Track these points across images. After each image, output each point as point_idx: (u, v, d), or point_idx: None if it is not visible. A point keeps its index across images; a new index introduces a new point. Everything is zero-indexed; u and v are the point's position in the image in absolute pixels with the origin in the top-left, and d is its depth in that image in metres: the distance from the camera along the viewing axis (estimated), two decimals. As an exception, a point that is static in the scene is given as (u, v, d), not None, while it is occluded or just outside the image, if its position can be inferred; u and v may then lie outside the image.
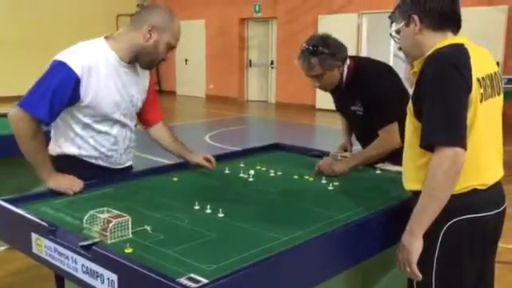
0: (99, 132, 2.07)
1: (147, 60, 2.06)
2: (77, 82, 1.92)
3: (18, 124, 1.92)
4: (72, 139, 2.07)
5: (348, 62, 2.42)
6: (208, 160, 2.32)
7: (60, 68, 1.93)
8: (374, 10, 10.01)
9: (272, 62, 12.50)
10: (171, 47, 2.07)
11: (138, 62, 2.09)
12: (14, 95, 11.89)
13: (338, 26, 10.37)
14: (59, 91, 1.90)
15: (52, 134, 2.13)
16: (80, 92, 1.94)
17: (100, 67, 1.98)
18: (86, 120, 2.03)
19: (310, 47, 2.32)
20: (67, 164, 2.05)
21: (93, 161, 2.11)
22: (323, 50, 2.31)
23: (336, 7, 10.72)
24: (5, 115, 4.11)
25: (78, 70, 1.92)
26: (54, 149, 2.10)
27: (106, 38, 2.06)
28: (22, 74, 12.09)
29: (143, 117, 2.30)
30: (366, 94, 2.40)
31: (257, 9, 12.30)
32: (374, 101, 2.37)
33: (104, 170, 2.14)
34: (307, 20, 11.20)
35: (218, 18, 12.99)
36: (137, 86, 2.14)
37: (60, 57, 1.96)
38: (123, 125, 2.14)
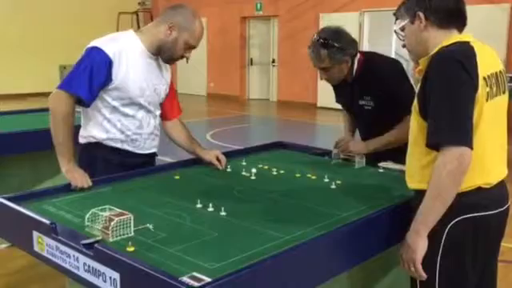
0: (126, 115, 2.22)
1: (167, 55, 2.23)
2: (110, 64, 2.10)
3: (55, 103, 2.09)
4: (101, 123, 2.22)
5: (358, 56, 2.41)
6: (218, 160, 2.36)
7: (95, 52, 2.11)
8: (376, 8, 10.00)
9: (273, 61, 12.49)
10: (190, 46, 2.22)
11: (160, 55, 2.24)
12: (16, 93, 11.92)
13: (339, 25, 10.38)
14: (96, 71, 2.08)
15: (82, 122, 2.28)
16: (112, 73, 2.11)
17: (129, 53, 2.16)
18: (115, 103, 2.18)
19: (321, 39, 2.32)
20: (96, 151, 2.23)
21: (119, 145, 2.24)
22: (333, 43, 2.31)
23: (338, 5, 10.70)
24: (6, 113, 4.13)
25: (110, 54, 2.10)
26: (84, 134, 2.25)
27: (135, 31, 2.26)
28: (24, 72, 12.14)
29: (164, 109, 2.41)
30: (379, 86, 2.37)
31: (258, 7, 12.29)
32: (390, 92, 2.34)
33: (129, 156, 2.27)
34: (309, 18, 11.19)
35: (219, 16, 12.99)
36: (159, 78, 2.30)
37: (94, 43, 2.15)
38: (148, 110, 2.28)
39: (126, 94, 2.17)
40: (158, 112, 2.37)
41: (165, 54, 2.23)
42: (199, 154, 2.41)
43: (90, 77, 2.07)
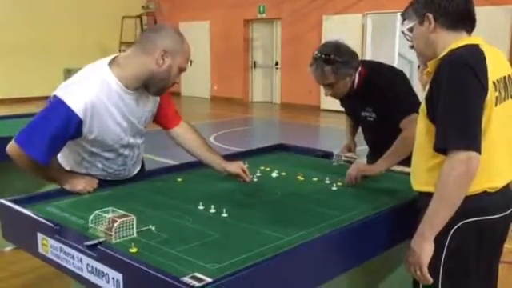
0: (107, 158, 2.04)
1: (159, 86, 1.95)
2: (79, 123, 1.83)
3: (17, 160, 1.90)
4: (80, 163, 2.05)
5: (360, 68, 2.40)
6: (244, 171, 2.20)
7: (60, 109, 1.81)
8: (379, 10, 10.00)
9: (276, 63, 12.49)
10: (182, 70, 1.97)
11: (147, 89, 1.96)
12: (21, 97, 11.98)
13: (342, 27, 10.39)
14: (59, 135, 1.83)
15: (59, 154, 2.06)
16: (83, 130, 1.87)
17: (104, 100, 1.87)
18: (94, 149, 1.98)
19: (324, 55, 2.29)
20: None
21: (101, 178, 2.09)
22: (336, 58, 2.28)
23: (340, 8, 10.70)
24: (8, 117, 4.15)
25: (79, 111, 1.81)
26: (64, 165, 2.09)
27: (110, 63, 1.92)
28: (29, 76, 12.20)
29: (159, 122, 2.22)
30: (378, 97, 2.37)
31: (261, 10, 12.31)
32: (387, 100, 2.33)
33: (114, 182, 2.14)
34: (312, 21, 11.20)
35: (222, 19, 13.02)
36: (144, 107, 2.04)
37: (60, 93, 1.85)
38: (132, 146, 2.08)
39: (105, 143, 1.96)
40: (143, 138, 2.14)
41: (155, 87, 1.94)
42: (222, 166, 2.20)
43: (51, 140, 1.82)
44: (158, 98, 2.11)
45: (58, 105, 1.82)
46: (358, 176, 2.15)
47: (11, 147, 1.89)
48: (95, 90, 1.85)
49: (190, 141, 2.23)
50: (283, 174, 2.35)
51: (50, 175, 2.02)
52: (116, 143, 2.00)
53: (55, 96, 1.85)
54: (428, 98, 1.58)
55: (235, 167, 2.20)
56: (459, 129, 1.46)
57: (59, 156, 2.08)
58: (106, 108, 1.88)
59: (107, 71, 1.90)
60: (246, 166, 2.41)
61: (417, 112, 2.20)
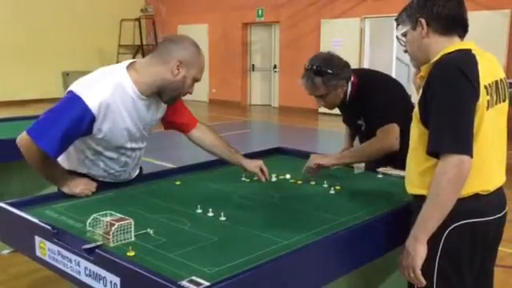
0: (110, 158, 2.05)
1: (172, 95, 1.99)
2: (91, 120, 1.85)
3: (26, 151, 1.90)
4: (82, 161, 2.06)
5: (352, 78, 2.41)
6: (262, 171, 2.24)
7: (76, 103, 1.84)
8: (377, 14, 10.03)
9: (275, 66, 12.51)
10: (197, 81, 2.01)
11: (160, 97, 2.00)
12: (20, 100, 11.96)
13: (340, 31, 10.43)
14: (71, 129, 1.84)
15: None
16: (93, 128, 1.89)
17: (118, 103, 1.89)
18: (98, 148, 2.00)
19: (314, 67, 2.30)
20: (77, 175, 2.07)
21: (101, 179, 2.11)
22: (327, 69, 2.30)
23: (339, 12, 10.73)
24: (7, 120, 4.15)
25: (94, 108, 1.84)
26: (63, 164, 2.09)
27: (128, 67, 1.95)
28: (28, 79, 12.19)
29: (178, 128, 2.27)
30: (367, 107, 2.40)
31: (260, 13, 12.33)
32: (373, 111, 2.38)
33: (112, 184, 2.15)
34: (310, 24, 11.22)
35: (221, 22, 13.04)
36: (153, 115, 2.08)
37: (77, 88, 1.87)
38: (134, 149, 2.11)
39: (111, 144, 1.99)
40: (145, 143, 2.17)
41: (169, 95, 1.98)
42: (241, 163, 2.26)
43: (63, 134, 1.83)
44: (166, 108, 2.14)
45: (74, 100, 1.84)
46: (311, 165, 2.24)
47: (22, 138, 1.90)
48: (111, 91, 1.88)
49: (210, 141, 2.29)
50: (281, 177, 2.35)
51: (53, 173, 2.00)
52: (121, 145, 2.02)
53: (71, 91, 1.87)
54: (421, 102, 1.60)
55: (254, 166, 2.25)
56: (451, 132, 1.48)
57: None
58: (118, 110, 1.91)
59: (125, 74, 1.93)
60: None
61: (396, 122, 2.25)
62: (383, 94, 2.41)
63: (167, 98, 2.01)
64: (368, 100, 2.39)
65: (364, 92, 2.40)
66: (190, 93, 2.04)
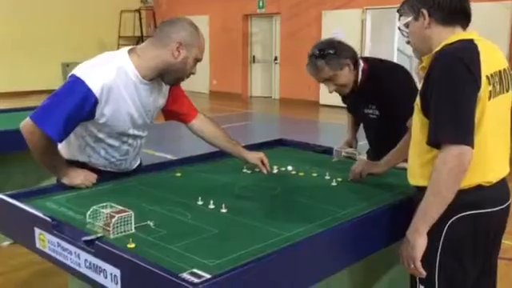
0: (111, 146, 2.04)
1: (175, 76, 2.00)
2: (94, 103, 1.85)
3: (29, 137, 1.89)
4: (83, 148, 2.05)
5: (362, 64, 2.39)
6: (263, 163, 2.25)
7: (78, 86, 1.83)
8: (378, 5, 9.97)
9: (276, 58, 12.47)
10: (198, 61, 2.01)
11: (162, 79, 2.01)
12: (19, 91, 11.95)
13: (341, 22, 10.37)
14: (74, 112, 1.83)
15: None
16: (96, 112, 1.88)
17: (120, 87, 1.90)
18: (100, 135, 1.99)
19: (316, 51, 2.31)
20: (77, 166, 2.06)
21: (101, 168, 2.10)
22: (328, 51, 2.29)
23: (340, 3, 10.67)
24: (7, 111, 4.14)
25: (97, 91, 1.84)
26: (64, 153, 2.08)
27: (129, 51, 1.96)
28: (27, 70, 12.17)
29: (179, 118, 2.27)
30: (380, 93, 2.36)
31: (260, 4, 12.27)
32: (388, 99, 2.33)
33: (112, 175, 2.13)
34: (311, 16, 11.17)
35: (221, 13, 12.97)
36: (155, 101, 2.08)
37: (79, 72, 1.87)
38: (136, 137, 2.10)
39: (113, 130, 1.98)
40: (147, 131, 2.17)
41: (171, 77, 1.99)
42: (242, 155, 2.28)
43: (67, 118, 1.82)
44: (167, 96, 2.14)
45: (77, 83, 1.84)
46: (364, 174, 2.13)
47: (25, 124, 1.89)
48: (113, 75, 1.88)
49: (210, 132, 2.29)
50: (282, 169, 2.34)
51: (55, 162, 1.99)
52: (123, 131, 2.01)
53: (73, 75, 1.87)
54: (422, 93, 1.59)
55: (255, 158, 2.26)
56: (451, 123, 1.47)
57: (61, 143, 2.06)
58: (120, 95, 1.91)
59: (126, 59, 1.93)
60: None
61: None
62: (398, 80, 2.38)
63: (170, 79, 2.02)
64: (381, 84, 2.35)
65: (375, 77, 2.37)
66: (193, 73, 2.03)
